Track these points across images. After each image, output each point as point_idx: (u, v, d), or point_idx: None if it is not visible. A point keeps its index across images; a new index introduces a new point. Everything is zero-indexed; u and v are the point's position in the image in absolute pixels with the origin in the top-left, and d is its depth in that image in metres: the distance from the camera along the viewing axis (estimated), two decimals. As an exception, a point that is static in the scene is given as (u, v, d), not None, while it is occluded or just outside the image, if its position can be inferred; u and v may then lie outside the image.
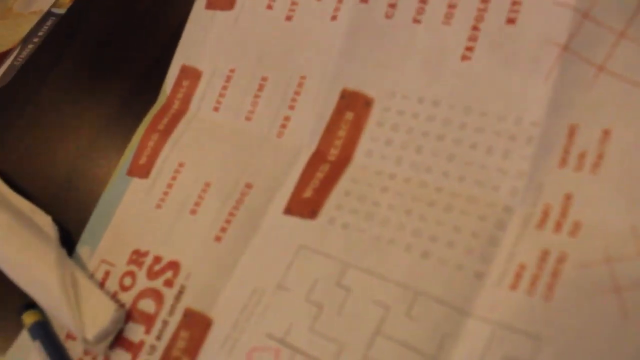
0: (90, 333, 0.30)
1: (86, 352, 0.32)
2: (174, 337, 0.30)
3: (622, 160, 0.25)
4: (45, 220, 0.36)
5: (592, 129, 0.26)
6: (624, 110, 0.26)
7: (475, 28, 0.29)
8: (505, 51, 0.28)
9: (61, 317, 0.31)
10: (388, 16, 0.31)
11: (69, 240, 0.36)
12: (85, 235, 0.35)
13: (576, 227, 0.25)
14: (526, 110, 0.27)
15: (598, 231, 0.24)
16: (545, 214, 0.25)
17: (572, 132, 0.26)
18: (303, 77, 0.33)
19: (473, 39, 0.29)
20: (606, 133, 0.26)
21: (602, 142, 0.26)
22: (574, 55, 0.27)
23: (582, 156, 0.26)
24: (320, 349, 0.26)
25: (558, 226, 0.25)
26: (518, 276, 0.25)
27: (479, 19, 0.29)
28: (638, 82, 0.26)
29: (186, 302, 0.30)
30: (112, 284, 0.33)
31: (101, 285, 0.33)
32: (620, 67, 0.26)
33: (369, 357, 0.25)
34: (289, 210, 0.30)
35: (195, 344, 0.29)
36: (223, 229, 0.31)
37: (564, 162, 0.26)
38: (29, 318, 0.33)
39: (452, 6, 0.30)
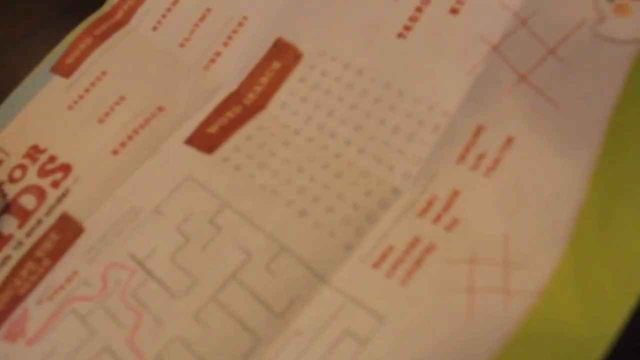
0: (-37, 213, 0.28)
1: (-44, 233, 0.29)
2: (43, 238, 0.27)
3: (515, 171, 0.23)
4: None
5: (497, 134, 0.24)
6: (532, 124, 0.24)
7: (418, 9, 0.27)
8: (440, 38, 0.26)
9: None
10: (338, -23, 0.29)
11: (-24, 121, 0.33)
12: (-8, 120, 0.32)
13: (453, 223, 0.23)
14: (442, 99, 0.25)
15: (472, 232, 0.22)
16: (430, 204, 0.23)
17: (478, 131, 0.24)
18: (245, 18, 0.31)
19: (414, 19, 0.27)
20: (509, 141, 0.24)
21: (503, 149, 0.24)
22: (502, 58, 0.25)
23: (480, 157, 0.24)
24: (174, 279, 0.24)
25: (437, 218, 0.23)
26: (384, 257, 0.23)
27: (426, 1, 0.27)
28: (554, 101, 0.24)
29: (66, 206, 0.28)
30: (1, 174, 0.30)
31: (-8, 171, 0.30)
32: (541, 82, 0.24)
33: (217, 298, 0.23)
34: (190, 141, 0.28)
35: (61, 249, 0.27)
36: (123, 144, 0.29)
37: (462, 158, 0.24)
38: None
39: (402, -18, 0.28)
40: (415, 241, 0.23)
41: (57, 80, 0.33)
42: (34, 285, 0.26)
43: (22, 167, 0.30)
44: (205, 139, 0.28)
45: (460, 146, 0.24)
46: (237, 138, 0.27)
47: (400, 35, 0.27)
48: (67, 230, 0.27)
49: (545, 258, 0.21)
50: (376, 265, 0.23)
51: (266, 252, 0.24)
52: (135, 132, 0.29)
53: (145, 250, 0.25)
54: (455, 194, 0.23)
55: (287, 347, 0.22)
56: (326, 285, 0.23)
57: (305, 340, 0.22)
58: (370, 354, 0.21)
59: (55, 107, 0.32)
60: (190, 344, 0.23)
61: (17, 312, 0.25)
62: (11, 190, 0.30)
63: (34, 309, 0.25)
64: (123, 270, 0.25)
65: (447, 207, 0.23)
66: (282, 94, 0.28)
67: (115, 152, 0.29)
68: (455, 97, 0.25)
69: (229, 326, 0.23)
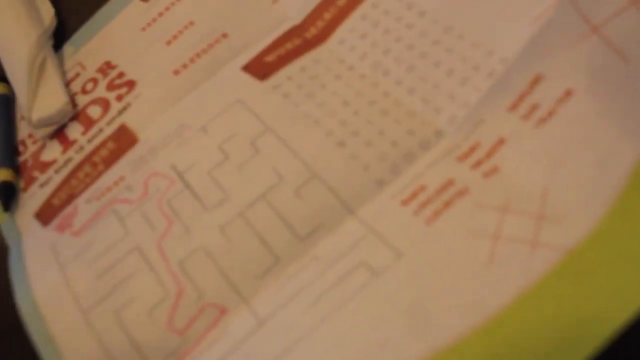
0: (36, 115, 0.29)
1: (30, 135, 0.31)
2: (102, 145, 0.28)
3: (568, 125, 0.21)
4: (48, 10, 0.34)
5: (556, 85, 0.22)
6: (596, 78, 0.22)
7: (490, -47, 0.26)
8: (509, -17, 0.25)
9: (19, 91, 0.30)
10: None
11: (62, 37, 0.34)
12: (76, 37, 0.34)
13: (493, 170, 0.21)
14: (502, 45, 0.24)
15: (510, 181, 0.21)
16: (472, 150, 0.22)
17: (535, 81, 0.23)
18: (318, -46, 0.30)
19: (484, -37, 0.25)
20: (568, 93, 0.22)
21: (560, 101, 0.22)
22: (573, 6, 0.23)
23: (534, 107, 0.22)
24: (207, 192, 0.24)
25: (478, 164, 0.22)
26: (414, 195, 0.22)
27: (499, -55, 0.25)
28: (625, 56, 0.22)
29: (125, 118, 0.29)
30: (76, 85, 0.32)
31: (68, 83, 0.32)
32: (615, 35, 0.22)
33: (245, 214, 0.23)
34: (246, 67, 0.28)
35: (115, 156, 0.27)
36: (185, 65, 0.29)
37: (514, 106, 0.22)
38: (-2, 88, 0.32)
39: None
40: (448, 183, 0.22)
41: (137, 3, 0.33)
42: (87, 186, 0.27)
43: (94, 81, 0.31)
44: (262, 67, 0.28)
45: (514, 94, 0.23)
46: (292, 68, 0.27)
47: (468, -22, 0.26)
48: (123, 140, 0.28)
49: (584, 216, 0.19)
50: (405, 202, 0.22)
51: (298, 177, 0.23)
52: (198, 55, 0.29)
53: (186, 163, 0.25)
54: (501, 142, 0.22)
55: (303, 271, 0.21)
56: (352, 216, 0.22)
57: (322, 266, 0.21)
58: (380, 285, 0.20)
59: (131, 28, 0.32)
60: (213, 255, 0.23)
61: (69, 209, 0.26)
62: (82, 100, 0.31)
63: (83, 207, 0.26)
64: (164, 179, 0.25)
65: (490, 154, 0.22)
66: (343, 30, 0.27)
67: (176, 72, 0.29)
68: (516, 44, 0.24)
69: (251, 243, 0.23)
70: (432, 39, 0.25)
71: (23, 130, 0.31)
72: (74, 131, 0.30)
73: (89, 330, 0.23)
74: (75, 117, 0.30)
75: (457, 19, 0.25)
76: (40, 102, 0.30)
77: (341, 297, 0.20)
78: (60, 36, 0.35)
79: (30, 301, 0.24)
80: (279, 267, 0.22)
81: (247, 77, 0.27)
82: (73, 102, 0.31)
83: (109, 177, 0.27)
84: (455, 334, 0.18)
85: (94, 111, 0.30)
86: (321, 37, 0.28)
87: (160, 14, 0.32)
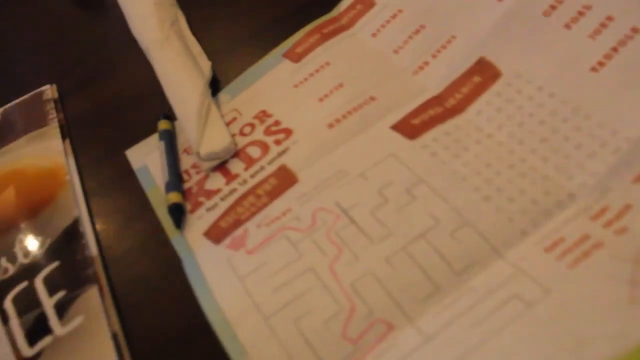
0: (204, 150, 0.34)
1: (193, 166, 0.35)
2: (264, 180, 0.33)
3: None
4: (206, 63, 0.39)
5: (676, 164, 0.26)
6: None
7: (614, 49, 0.30)
8: (631, 74, 0.29)
9: (188, 130, 0.35)
10: (546, 14, 0.32)
11: (216, 87, 0.40)
12: (230, 87, 0.39)
13: (622, 230, 0.25)
14: (626, 125, 0.28)
15: (640, 240, 0.25)
16: (602, 211, 0.26)
17: (657, 159, 0.27)
18: (453, 37, 0.35)
19: (608, 57, 0.30)
20: (686, 172, 0.26)
21: (679, 177, 0.26)
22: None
23: (656, 181, 0.26)
24: (372, 228, 0.28)
25: (608, 223, 0.26)
26: (555, 244, 0.26)
27: (622, 43, 0.30)
28: None
29: (285, 160, 0.33)
30: (234, 128, 0.36)
31: (227, 125, 0.37)
32: None
33: (407, 249, 0.27)
34: (395, 127, 0.32)
35: (277, 191, 0.32)
36: (338, 120, 0.34)
37: (638, 179, 0.27)
38: (162, 125, 0.37)
39: (603, 25, 0.31)
40: (585, 237, 0.26)
41: (287, 64, 0.39)
42: (253, 214, 0.31)
43: (252, 125, 0.36)
44: (409, 128, 0.32)
45: (638, 169, 0.27)
46: (437, 131, 0.32)
47: (593, 69, 0.30)
48: (284, 178, 0.32)
49: None
50: (547, 250, 0.26)
51: (453, 222, 0.28)
52: (349, 113, 0.34)
53: (349, 202, 0.30)
54: (628, 207, 0.26)
55: (462, 300, 0.25)
56: (501, 258, 0.26)
57: (478, 296, 0.25)
58: (533, 316, 0.24)
59: (283, 84, 0.37)
60: (381, 279, 0.27)
61: (239, 231, 0.31)
62: (240, 141, 0.36)
63: (253, 230, 0.30)
64: (329, 213, 0.30)
65: (619, 216, 0.26)
66: (480, 103, 0.32)
67: (330, 125, 0.34)
68: (639, 126, 0.28)
69: (414, 272, 0.27)
70: (561, 117, 0.30)
71: (184, 162, 0.36)
72: (236, 166, 0.34)
73: (272, 335, 0.27)
74: (236, 154, 0.35)
75: (582, 102, 0.30)
76: (207, 140, 0.35)
77: (499, 322, 0.24)
78: (214, 85, 0.40)
79: (215, 307, 0.28)
80: (439, 294, 0.26)
81: (397, 136, 0.32)
82: (234, 142, 0.35)
83: (275, 208, 0.31)
84: None
85: (254, 151, 0.35)
86: (459, 108, 0.32)
87: (311, 75, 0.37)
